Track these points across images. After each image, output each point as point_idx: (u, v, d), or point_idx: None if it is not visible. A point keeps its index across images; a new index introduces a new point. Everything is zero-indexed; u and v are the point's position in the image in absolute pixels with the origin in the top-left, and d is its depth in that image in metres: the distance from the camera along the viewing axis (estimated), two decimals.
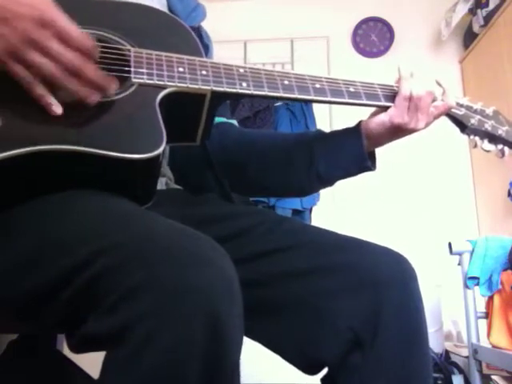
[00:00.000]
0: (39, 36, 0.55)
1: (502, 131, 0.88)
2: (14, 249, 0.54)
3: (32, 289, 0.51)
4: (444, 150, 2.72)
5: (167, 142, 0.61)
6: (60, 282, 0.49)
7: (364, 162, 0.81)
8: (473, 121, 0.87)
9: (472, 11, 2.67)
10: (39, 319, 0.54)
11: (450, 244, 1.74)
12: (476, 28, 2.66)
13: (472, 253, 1.70)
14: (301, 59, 2.98)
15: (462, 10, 2.66)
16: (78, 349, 0.50)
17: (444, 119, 0.87)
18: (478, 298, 1.71)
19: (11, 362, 0.95)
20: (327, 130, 0.87)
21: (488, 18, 2.52)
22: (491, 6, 2.49)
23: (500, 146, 0.89)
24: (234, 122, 0.97)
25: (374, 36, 3.02)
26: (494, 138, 0.88)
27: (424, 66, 2.82)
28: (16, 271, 0.53)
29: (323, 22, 3.03)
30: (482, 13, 2.56)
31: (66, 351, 0.64)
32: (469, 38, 2.80)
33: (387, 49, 3.00)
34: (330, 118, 2.83)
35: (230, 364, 0.46)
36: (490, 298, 1.65)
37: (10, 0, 0.54)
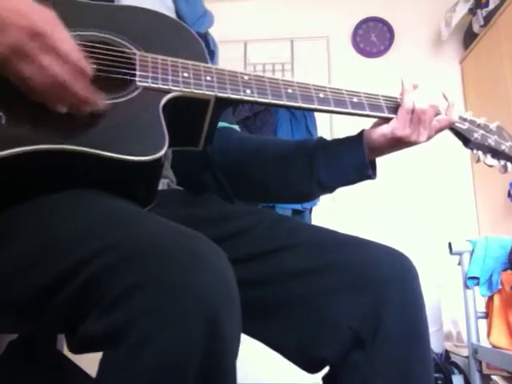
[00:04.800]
0: (29, 48, 0.54)
1: (505, 146, 0.88)
2: (13, 249, 0.54)
3: (31, 289, 0.51)
4: (444, 150, 2.71)
5: (170, 146, 0.61)
6: (59, 281, 0.49)
7: (365, 172, 0.81)
8: (476, 135, 0.87)
9: (472, 11, 2.67)
10: (38, 319, 0.54)
11: (450, 244, 1.74)
12: (476, 28, 2.66)
13: (472, 253, 1.70)
14: (301, 59, 2.99)
15: (462, 9, 2.66)
16: (77, 349, 0.50)
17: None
18: (478, 298, 1.71)
19: (11, 362, 0.95)
20: (327, 131, 0.87)
21: (488, 18, 2.52)
22: (491, 6, 2.49)
23: (503, 162, 0.89)
24: (236, 127, 0.98)
25: (373, 36, 3.02)
26: (497, 153, 0.88)
27: (424, 66, 2.82)
28: (15, 271, 0.53)
29: (323, 21, 3.03)
30: (481, 13, 2.56)
31: (66, 351, 0.64)
32: (469, 38, 2.80)
33: (387, 49, 3.00)
34: (330, 119, 2.83)
35: (228, 365, 0.46)
36: (490, 298, 1.65)
37: (10, 10, 0.54)
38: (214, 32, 0.98)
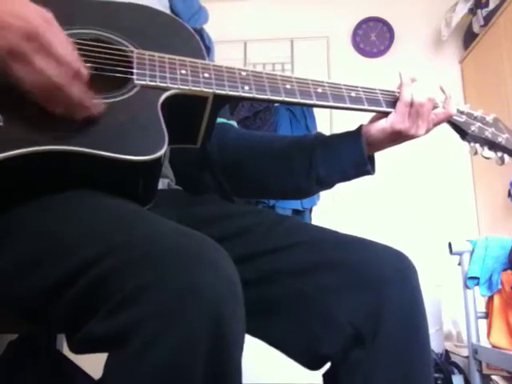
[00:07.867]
0: (24, 49, 0.53)
1: (501, 139, 0.89)
2: (19, 249, 0.54)
3: (36, 289, 0.51)
4: (444, 149, 2.72)
5: (168, 144, 0.61)
6: (64, 282, 0.49)
7: (364, 167, 0.80)
8: (473, 128, 0.87)
9: (472, 11, 2.67)
10: (42, 319, 0.54)
11: (450, 244, 1.74)
12: (476, 28, 2.66)
13: (472, 253, 1.71)
14: (301, 59, 2.99)
15: (462, 9, 2.66)
16: (79, 349, 0.50)
17: (444, 124, 0.87)
18: (478, 298, 1.71)
19: (11, 362, 0.95)
20: (328, 130, 0.87)
21: (488, 18, 2.52)
22: (491, 5, 2.49)
23: (500, 154, 0.89)
24: (234, 123, 0.97)
25: (373, 36, 3.02)
26: (493, 146, 0.89)
27: (424, 66, 2.82)
28: (20, 271, 0.53)
29: (323, 21, 3.03)
30: (481, 13, 2.56)
31: (66, 351, 0.64)
32: (469, 38, 2.80)
33: (387, 49, 3.00)
34: (330, 119, 2.83)
35: (233, 365, 0.46)
36: (490, 298, 1.65)
37: (4, 10, 0.53)
38: (214, 32, 0.98)
